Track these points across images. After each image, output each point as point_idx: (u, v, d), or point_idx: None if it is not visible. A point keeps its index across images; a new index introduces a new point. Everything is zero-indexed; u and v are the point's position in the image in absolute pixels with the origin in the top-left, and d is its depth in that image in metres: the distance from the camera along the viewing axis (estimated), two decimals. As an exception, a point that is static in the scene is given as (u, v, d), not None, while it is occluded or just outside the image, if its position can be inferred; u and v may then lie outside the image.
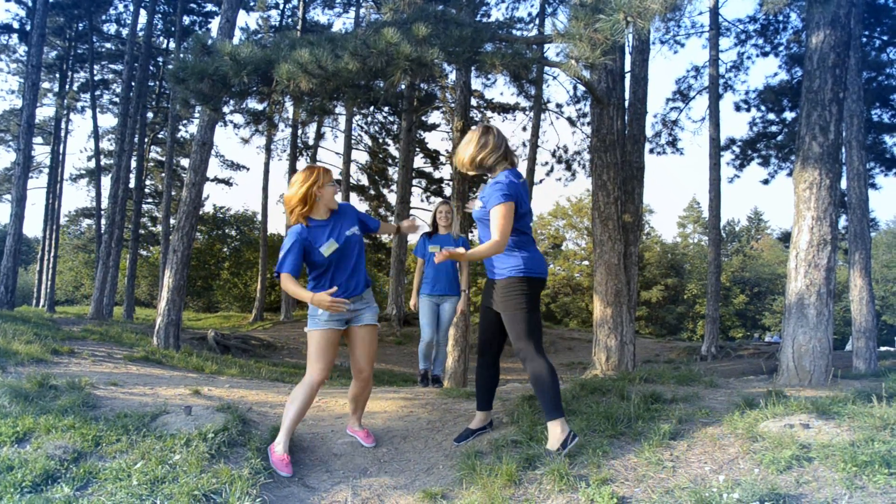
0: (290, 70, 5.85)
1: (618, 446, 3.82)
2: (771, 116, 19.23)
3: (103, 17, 28.06)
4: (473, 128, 4.05)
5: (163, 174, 27.45)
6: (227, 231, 39.15)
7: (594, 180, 7.87)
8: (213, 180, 34.43)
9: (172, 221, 17.17)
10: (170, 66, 6.60)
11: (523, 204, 3.91)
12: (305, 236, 4.00)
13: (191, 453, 3.63)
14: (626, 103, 8.37)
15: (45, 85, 29.92)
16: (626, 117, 8.26)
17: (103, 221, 22.76)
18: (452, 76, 13.14)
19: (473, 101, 26.71)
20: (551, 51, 20.31)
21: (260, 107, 24.81)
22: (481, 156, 3.91)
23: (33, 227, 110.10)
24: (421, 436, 4.50)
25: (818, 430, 3.70)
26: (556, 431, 3.76)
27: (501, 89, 61.70)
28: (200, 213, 37.06)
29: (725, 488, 3.04)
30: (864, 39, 14.57)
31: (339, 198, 4.21)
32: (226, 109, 27.19)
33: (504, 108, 26.96)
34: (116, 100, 29.37)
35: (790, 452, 3.35)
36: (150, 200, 35.33)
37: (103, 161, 28.52)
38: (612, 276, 7.63)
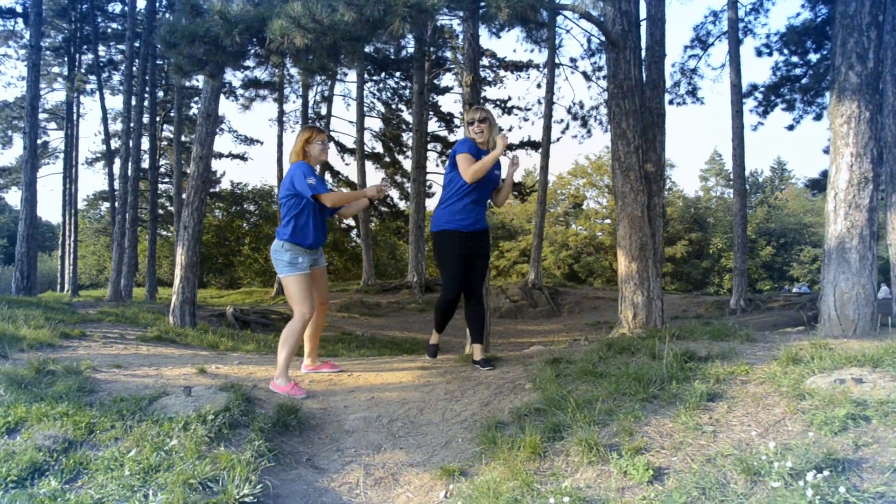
0: (283, 25, 5.47)
1: (651, 410, 3.51)
2: (794, 59, 18.45)
3: (108, -3, 27.71)
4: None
5: (176, 152, 27.21)
6: (245, 206, 38.98)
7: (613, 129, 7.43)
8: (227, 156, 34.22)
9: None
10: (160, 31, 6.28)
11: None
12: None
13: (188, 438, 3.37)
14: (644, 47, 7.90)
15: (55, 69, 29.72)
16: (645, 61, 7.78)
17: (117, 203, 22.63)
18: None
19: (486, 61, 26.12)
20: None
21: (263, 74, 24.40)
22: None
23: (54, 212, 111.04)
24: (438, 407, 4.22)
25: (873, 384, 3.35)
26: (482, 351, 5.23)
27: (514, 46, 60.57)
28: (217, 189, 37.21)
29: (775, 456, 2.71)
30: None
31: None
32: (236, 83, 26.86)
33: (517, 66, 26.27)
34: (127, 80, 29.08)
35: (844, 411, 3.01)
36: (166, 180, 35.21)
37: (115, 143, 28.33)
38: (635, 228, 7.24)
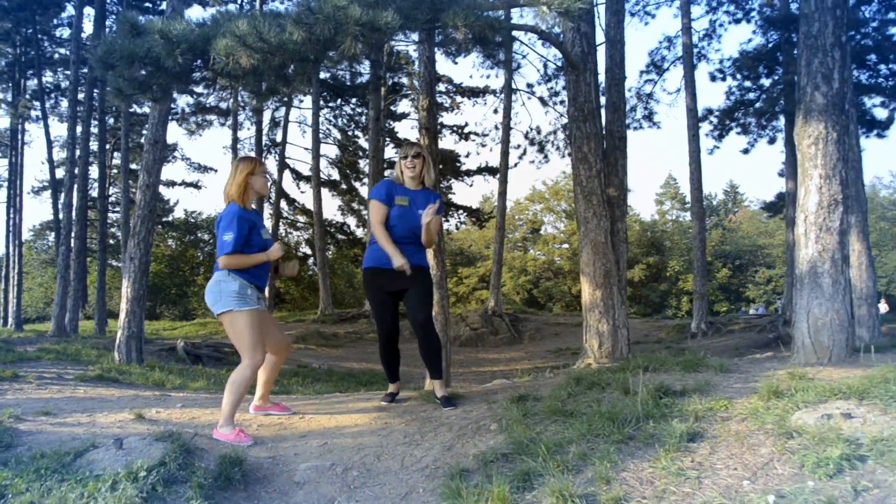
0: (228, 45, 5.15)
1: (627, 454, 3.23)
2: (748, 84, 18.72)
3: (55, 22, 26.96)
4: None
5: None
6: (199, 235, 38.13)
7: (574, 153, 7.25)
8: (180, 184, 33.54)
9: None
10: (97, 51, 5.91)
11: None
12: (247, 216, 4.21)
13: (116, 499, 2.98)
14: (603, 70, 7.79)
15: (-1, 95, 28.80)
16: (605, 84, 7.65)
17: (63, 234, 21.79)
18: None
19: (442, 87, 26.03)
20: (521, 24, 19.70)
21: (212, 99, 23.92)
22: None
23: None
24: (397, 452, 3.88)
25: (863, 419, 3.14)
26: (442, 388, 4.89)
27: (471, 72, 61.33)
28: (171, 218, 36.37)
29: (772, 508, 2.45)
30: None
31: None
32: (188, 109, 26.30)
33: (474, 92, 26.23)
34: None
35: (838, 451, 2.78)
36: (117, 209, 34.19)
37: (61, 172, 27.44)
38: (599, 255, 7.04)
